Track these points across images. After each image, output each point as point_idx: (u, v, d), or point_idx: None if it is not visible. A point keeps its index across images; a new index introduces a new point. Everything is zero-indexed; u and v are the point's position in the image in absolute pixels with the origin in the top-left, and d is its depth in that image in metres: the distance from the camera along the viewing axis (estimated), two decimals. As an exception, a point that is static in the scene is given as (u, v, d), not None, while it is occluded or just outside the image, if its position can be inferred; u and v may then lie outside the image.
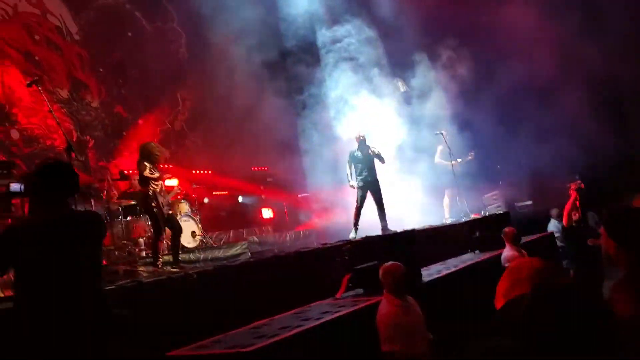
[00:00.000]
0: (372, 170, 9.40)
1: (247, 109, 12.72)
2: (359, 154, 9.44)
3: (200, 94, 13.69)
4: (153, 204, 6.96)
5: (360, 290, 5.94)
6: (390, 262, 4.86)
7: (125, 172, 11.23)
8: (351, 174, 9.50)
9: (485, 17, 12.16)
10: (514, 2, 11.95)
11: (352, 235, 9.10)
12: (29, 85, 5.19)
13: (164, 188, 7.28)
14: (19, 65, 10.43)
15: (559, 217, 9.34)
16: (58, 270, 2.98)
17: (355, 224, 9.30)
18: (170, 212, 7.38)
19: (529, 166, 11.37)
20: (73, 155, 5.38)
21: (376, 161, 9.49)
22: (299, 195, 13.90)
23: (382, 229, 9.06)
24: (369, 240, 6.28)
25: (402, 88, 13.36)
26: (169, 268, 7.17)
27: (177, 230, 7.41)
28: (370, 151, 9.37)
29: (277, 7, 13.18)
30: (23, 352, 2.93)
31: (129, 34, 13.11)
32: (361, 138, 9.51)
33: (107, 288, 4.48)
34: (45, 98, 5.40)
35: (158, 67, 13.36)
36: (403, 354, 4.52)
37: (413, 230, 6.83)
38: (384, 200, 9.39)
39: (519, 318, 1.54)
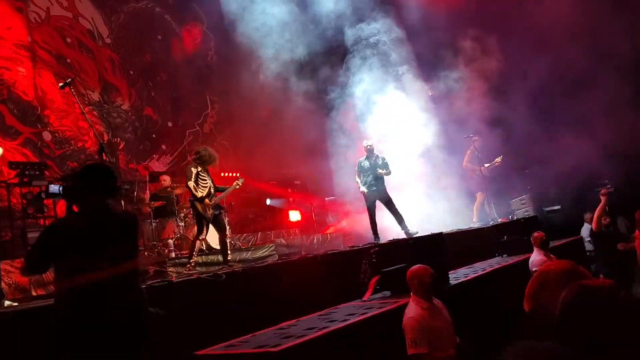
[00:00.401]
0: (379, 179, 9.36)
1: (275, 112, 12.79)
2: (366, 163, 9.49)
3: (229, 97, 13.82)
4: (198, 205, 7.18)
5: (387, 293, 5.92)
6: (418, 265, 4.84)
7: (155, 173, 11.44)
8: (360, 182, 9.52)
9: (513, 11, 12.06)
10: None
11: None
12: (62, 87, 5.29)
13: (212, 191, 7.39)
14: (52, 68, 10.68)
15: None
16: (98, 269, 3.05)
17: (374, 232, 9.31)
18: (218, 212, 7.49)
19: (559, 170, 11.19)
20: (105, 157, 5.47)
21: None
22: (327, 198, 13.90)
23: (406, 234, 9.00)
24: (396, 243, 6.25)
25: (430, 92, 13.28)
26: (198, 269, 7.28)
27: (223, 230, 7.56)
28: (377, 161, 9.41)
29: (305, 8, 13.21)
30: (63, 348, 2.99)
31: (159, 37, 13.32)
32: (369, 147, 9.55)
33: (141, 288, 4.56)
34: (77, 100, 5.50)
35: (187, 70, 13.54)
36: (430, 357, 4.50)
37: (441, 234, 6.78)
38: (398, 206, 9.36)
39: (551, 320, 1.54)
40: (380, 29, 12.70)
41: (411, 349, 4.52)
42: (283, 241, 11.01)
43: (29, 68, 10.31)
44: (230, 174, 13.31)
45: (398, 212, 9.30)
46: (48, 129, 10.42)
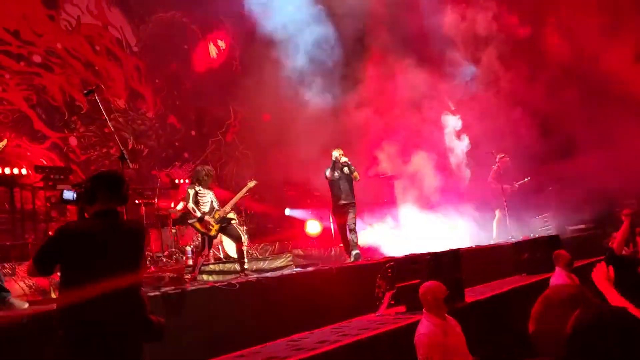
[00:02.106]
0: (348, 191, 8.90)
1: (298, 122, 12.81)
2: (336, 173, 8.91)
3: (251, 107, 13.92)
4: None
5: (402, 308, 5.88)
6: (431, 281, 4.79)
7: (177, 181, 11.57)
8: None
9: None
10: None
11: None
12: (86, 95, 5.40)
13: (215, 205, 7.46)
14: (80, 75, 10.90)
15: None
16: (101, 275, 3.09)
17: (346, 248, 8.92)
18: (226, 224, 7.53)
19: (583, 188, 11.03)
20: (126, 163, 5.56)
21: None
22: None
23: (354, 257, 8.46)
24: (412, 258, 6.21)
25: (452, 107, 13.22)
26: (214, 277, 7.32)
27: (238, 239, 7.62)
28: (344, 169, 8.87)
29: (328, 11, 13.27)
30: (65, 352, 3.03)
31: (185, 46, 13.52)
32: (339, 158, 8.90)
33: (151, 294, 4.60)
34: (102, 107, 5.60)
35: (212, 79, 13.70)
36: (443, 375, 4.44)
37: (458, 250, 6.71)
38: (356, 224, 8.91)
39: (555, 341, 1.59)
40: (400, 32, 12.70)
41: (423, 365, 4.47)
42: (300, 252, 11.00)
43: (59, 74, 10.54)
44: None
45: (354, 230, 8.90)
46: (74, 134, 10.63)
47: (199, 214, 7.18)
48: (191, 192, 7.28)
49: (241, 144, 14.41)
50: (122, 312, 3.13)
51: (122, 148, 5.26)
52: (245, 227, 10.16)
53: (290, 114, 12.33)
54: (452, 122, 12.61)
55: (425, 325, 4.64)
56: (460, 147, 12.19)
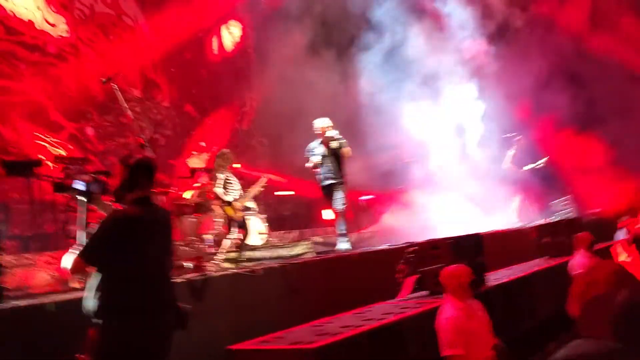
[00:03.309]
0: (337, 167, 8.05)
1: (313, 108, 12.73)
2: (321, 149, 8.04)
3: (267, 93, 13.87)
4: None
5: (424, 293, 5.85)
6: (455, 265, 4.74)
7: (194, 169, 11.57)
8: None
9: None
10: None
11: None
12: (104, 82, 5.39)
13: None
14: (94, 64, 10.91)
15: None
16: (150, 262, 3.11)
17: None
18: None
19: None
20: (146, 153, 5.56)
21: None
22: (363, 197, 13.81)
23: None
24: (434, 243, 6.16)
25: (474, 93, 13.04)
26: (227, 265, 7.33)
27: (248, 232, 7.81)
28: (332, 144, 7.95)
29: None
30: (107, 341, 3.03)
31: (199, 35, 13.47)
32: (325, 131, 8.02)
33: (176, 281, 4.61)
34: (118, 96, 5.59)
35: (227, 67, 13.67)
36: (465, 359, 4.40)
37: (480, 234, 6.65)
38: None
39: (602, 319, 1.56)
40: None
41: (446, 350, 4.43)
42: (320, 239, 10.97)
43: (74, 64, 10.55)
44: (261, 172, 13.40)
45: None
46: (90, 124, 10.65)
47: (229, 199, 7.32)
48: (222, 177, 7.42)
49: (257, 132, 14.39)
50: (164, 299, 3.17)
51: (142, 137, 5.26)
52: (264, 215, 10.13)
53: (304, 95, 12.18)
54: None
55: (447, 310, 4.59)
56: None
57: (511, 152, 11.11)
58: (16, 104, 9.56)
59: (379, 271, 6.40)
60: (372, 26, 13.24)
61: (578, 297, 1.74)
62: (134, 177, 3.32)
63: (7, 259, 6.04)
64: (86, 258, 3.13)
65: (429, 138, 12.04)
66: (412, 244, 6.42)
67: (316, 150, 7.98)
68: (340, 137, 7.94)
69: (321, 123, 7.97)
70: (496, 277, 6.70)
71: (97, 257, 3.15)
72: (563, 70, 11.81)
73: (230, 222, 7.47)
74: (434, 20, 13.14)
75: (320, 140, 7.99)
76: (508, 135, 11.24)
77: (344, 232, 7.97)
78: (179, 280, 4.78)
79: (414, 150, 12.19)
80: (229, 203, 7.34)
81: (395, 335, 4.56)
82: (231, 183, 7.44)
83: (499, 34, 12.52)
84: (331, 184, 7.95)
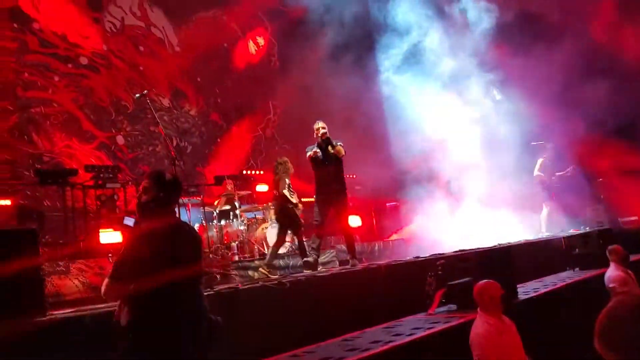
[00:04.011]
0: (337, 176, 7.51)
1: (335, 113, 12.75)
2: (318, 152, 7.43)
3: (291, 101, 13.94)
4: None
5: (453, 307, 5.81)
6: (486, 280, 4.70)
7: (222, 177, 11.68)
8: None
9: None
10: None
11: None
12: (138, 98, 5.49)
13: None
14: (125, 75, 11.13)
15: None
16: (178, 276, 3.14)
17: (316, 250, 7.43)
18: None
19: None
20: (177, 161, 5.65)
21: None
22: (388, 204, 13.77)
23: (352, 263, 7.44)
24: (462, 255, 6.12)
25: (498, 96, 12.90)
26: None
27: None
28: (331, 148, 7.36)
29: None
30: (141, 352, 3.06)
31: (225, 44, 13.62)
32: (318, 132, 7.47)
33: (206, 293, 4.65)
34: (151, 107, 5.70)
35: (251, 76, 13.78)
36: (499, 375, 4.36)
37: (509, 246, 6.58)
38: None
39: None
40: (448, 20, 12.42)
41: (478, 366, 4.40)
42: (343, 247, 10.95)
43: (105, 75, 10.77)
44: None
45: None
46: (121, 133, 10.86)
47: (295, 201, 7.56)
48: (287, 181, 7.59)
49: (281, 139, 14.47)
50: (194, 311, 3.19)
51: (172, 146, 5.34)
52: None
53: (325, 100, 12.19)
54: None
55: (480, 325, 4.56)
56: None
57: (540, 160, 10.92)
58: (50, 115, 9.80)
59: (406, 284, 6.36)
60: (392, 28, 13.19)
61: (602, 333, 1.68)
62: (171, 193, 3.39)
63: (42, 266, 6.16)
64: (116, 278, 3.17)
65: (451, 142, 11.94)
66: (440, 257, 6.38)
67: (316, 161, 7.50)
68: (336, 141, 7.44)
69: (316, 125, 7.53)
70: (525, 290, 6.61)
71: (126, 273, 3.17)
72: (594, 68, 11.38)
73: (290, 223, 7.65)
74: (452, 20, 13.06)
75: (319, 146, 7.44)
76: (538, 142, 11.04)
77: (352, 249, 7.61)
78: (207, 292, 4.83)
79: (437, 155, 12.08)
80: (296, 205, 7.56)
81: (426, 351, 4.54)
82: (292, 191, 7.67)
83: (522, 30, 12.22)
84: (333, 190, 7.39)
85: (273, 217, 9.89)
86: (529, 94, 11.95)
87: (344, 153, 7.35)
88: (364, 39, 14.15)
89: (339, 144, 7.35)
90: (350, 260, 7.49)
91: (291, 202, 7.51)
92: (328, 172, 7.36)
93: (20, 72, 9.47)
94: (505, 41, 12.22)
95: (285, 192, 7.49)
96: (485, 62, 12.56)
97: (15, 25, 9.47)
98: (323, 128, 7.35)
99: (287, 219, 7.60)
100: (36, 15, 9.80)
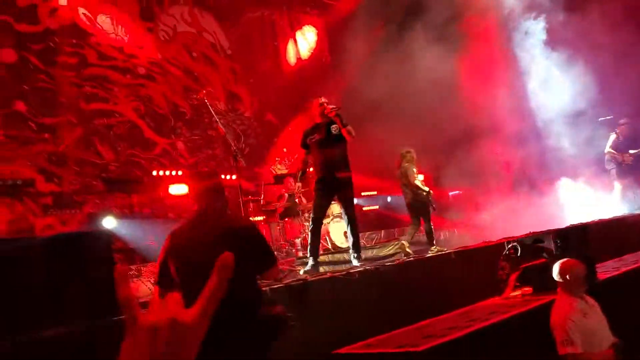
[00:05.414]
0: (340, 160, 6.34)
1: (391, 104, 12.55)
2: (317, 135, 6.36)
3: (344, 96, 13.86)
4: None
5: (528, 290, 5.59)
6: (568, 259, 4.49)
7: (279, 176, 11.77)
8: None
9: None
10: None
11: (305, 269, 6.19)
12: (196, 99, 5.56)
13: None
14: (180, 82, 11.37)
15: None
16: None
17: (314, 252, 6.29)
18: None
19: None
20: (238, 157, 5.69)
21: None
22: (450, 193, 13.47)
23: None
24: (535, 236, 5.89)
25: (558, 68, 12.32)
26: (326, 268, 7.34)
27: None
28: (331, 127, 6.27)
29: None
30: None
31: (275, 43, 13.71)
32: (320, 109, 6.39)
33: (275, 287, 4.65)
34: (209, 106, 5.77)
35: (303, 73, 13.80)
36: (584, 358, 4.15)
37: (586, 225, 6.28)
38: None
39: None
40: None
41: (563, 349, 4.20)
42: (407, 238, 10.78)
43: (162, 83, 11.04)
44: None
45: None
46: (181, 139, 11.11)
47: (427, 189, 8.07)
48: (415, 170, 8.12)
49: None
50: (242, 312, 3.09)
51: (234, 147, 5.38)
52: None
53: (379, 93, 12.01)
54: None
55: (562, 307, 4.36)
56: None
57: (613, 136, 10.38)
58: (112, 125, 10.12)
59: (477, 269, 6.18)
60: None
61: None
62: (203, 193, 3.39)
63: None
64: (159, 284, 3.18)
65: (514, 121, 11.50)
66: (511, 239, 6.16)
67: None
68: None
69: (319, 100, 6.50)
70: (606, 270, 6.29)
71: (167, 279, 3.21)
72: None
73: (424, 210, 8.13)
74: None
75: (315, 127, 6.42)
76: (606, 117, 10.51)
77: (357, 242, 6.49)
78: (276, 285, 4.84)
79: (498, 136, 11.66)
80: (429, 192, 8.07)
81: (505, 335, 4.37)
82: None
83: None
84: (338, 178, 6.25)
85: (335, 212, 9.88)
86: (593, 65, 11.35)
87: (354, 134, 6.21)
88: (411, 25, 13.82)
89: (346, 124, 6.20)
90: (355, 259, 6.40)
91: (424, 191, 8.04)
92: (333, 156, 6.20)
93: (81, 86, 9.82)
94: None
95: (417, 182, 8.03)
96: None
97: (74, 40, 9.82)
98: (328, 103, 6.32)
99: (420, 207, 8.11)
100: (93, 30, 10.14)
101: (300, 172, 6.80)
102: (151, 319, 0.74)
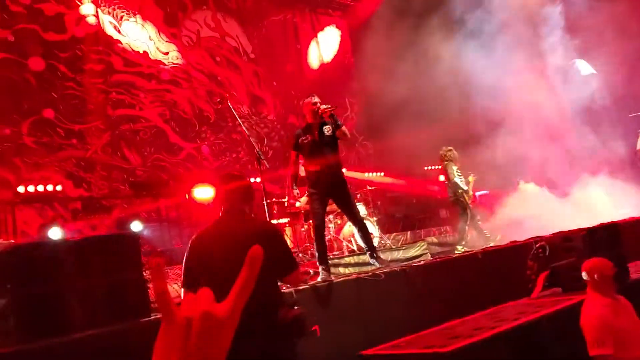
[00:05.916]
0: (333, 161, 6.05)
1: (417, 104, 12.46)
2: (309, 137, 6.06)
3: (368, 98, 13.84)
4: None
5: (557, 290, 5.49)
6: (594, 258, 4.40)
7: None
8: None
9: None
10: None
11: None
12: (219, 103, 5.61)
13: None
14: (205, 86, 11.49)
15: None
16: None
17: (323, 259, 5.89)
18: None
19: None
20: (263, 164, 5.71)
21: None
22: (476, 194, 13.32)
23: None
24: (565, 235, 5.78)
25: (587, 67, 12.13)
26: (350, 269, 7.32)
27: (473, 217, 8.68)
28: (324, 127, 5.99)
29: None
30: None
31: (298, 46, 13.75)
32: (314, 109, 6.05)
33: (301, 287, 4.66)
34: (232, 109, 5.82)
35: (326, 75, 13.82)
36: (616, 359, 4.06)
37: (616, 223, 6.15)
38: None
39: None
40: None
41: (594, 349, 4.10)
42: (434, 239, 10.71)
43: (186, 88, 11.17)
44: (374, 174, 13.34)
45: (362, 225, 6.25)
46: (205, 143, 11.22)
47: (465, 187, 8.34)
48: (455, 168, 8.41)
49: (360, 136, 14.40)
50: (260, 312, 3.00)
51: (257, 150, 5.41)
52: (375, 218, 10.07)
53: (404, 93, 11.93)
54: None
55: (592, 306, 4.26)
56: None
57: None
58: (139, 130, 10.27)
59: (505, 269, 6.11)
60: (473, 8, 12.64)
61: None
62: (227, 196, 3.42)
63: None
64: (186, 286, 3.21)
65: (543, 120, 11.35)
66: (539, 238, 6.06)
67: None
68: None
69: (312, 99, 6.22)
70: (638, 270, 6.15)
71: (190, 282, 3.22)
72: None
73: (464, 208, 8.43)
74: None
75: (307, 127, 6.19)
76: (638, 113, 10.30)
77: (372, 247, 6.25)
78: (302, 287, 4.85)
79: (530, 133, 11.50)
80: (466, 191, 8.33)
81: (534, 336, 4.31)
82: (460, 175, 8.42)
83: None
84: (333, 182, 5.98)
85: (361, 212, 9.86)
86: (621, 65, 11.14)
87: (349, 135, 6.18)
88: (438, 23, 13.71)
89: (340, 125, 6.03)
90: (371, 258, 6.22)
91: (461, 189, 8.29)
92: (326, 159, 5.89)
93: (108, 92, 9.99)
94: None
95: (456, 179, 8.25)
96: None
97: (100, 48, 10.00)
98: (321, 103, 6.05)
99: (460, 205, 8.39)
100: (118, 37, 10.31)
101: (292, 177, 6.47)
102: (184, 313, 0.76)
